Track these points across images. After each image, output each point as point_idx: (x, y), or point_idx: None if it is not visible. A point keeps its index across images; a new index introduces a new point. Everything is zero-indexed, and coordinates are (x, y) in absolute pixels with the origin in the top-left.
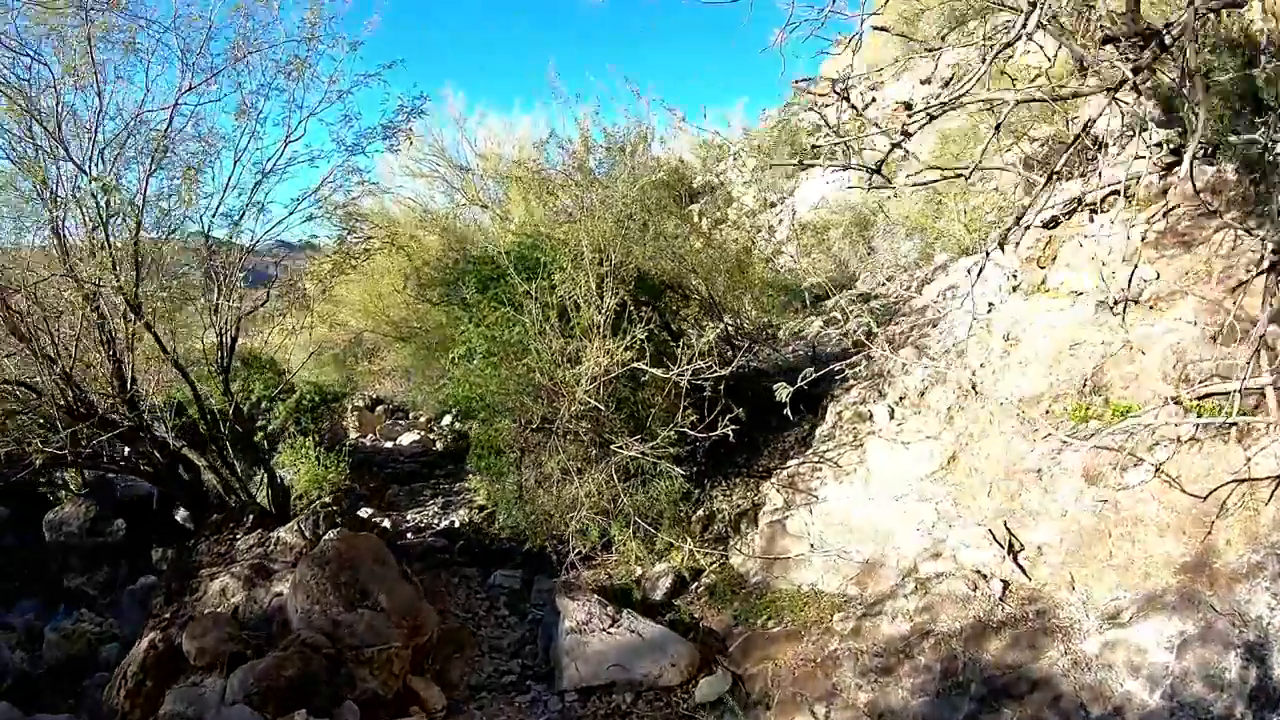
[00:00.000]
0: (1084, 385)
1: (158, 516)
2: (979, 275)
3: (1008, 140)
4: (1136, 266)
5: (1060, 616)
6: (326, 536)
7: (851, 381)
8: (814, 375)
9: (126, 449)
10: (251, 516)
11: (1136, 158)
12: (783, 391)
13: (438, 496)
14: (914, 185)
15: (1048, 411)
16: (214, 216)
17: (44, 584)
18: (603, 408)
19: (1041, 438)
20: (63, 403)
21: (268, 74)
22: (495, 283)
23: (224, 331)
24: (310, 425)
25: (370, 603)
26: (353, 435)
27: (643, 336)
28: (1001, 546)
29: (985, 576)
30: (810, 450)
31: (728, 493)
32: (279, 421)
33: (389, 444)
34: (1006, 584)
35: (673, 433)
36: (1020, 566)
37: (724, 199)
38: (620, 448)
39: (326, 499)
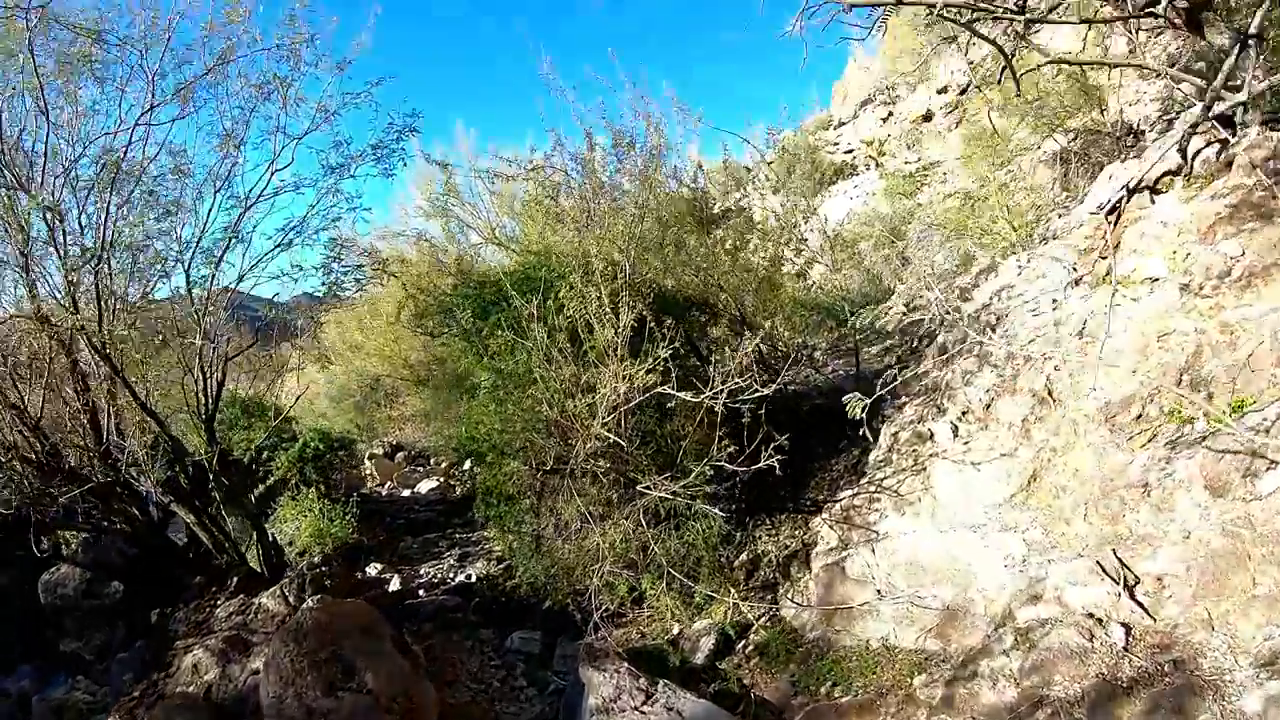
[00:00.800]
0: (1180, 380)
1: (158, 576)
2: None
3: (1042, 133)
4: (1214, 244)
5: (1203, 667)
6: (305, 605)
7: (905, 398)
8: (894, 382)
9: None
10: (236, 579)
11: (1191, 132)
12: (857, 406)
13: (454, 548)
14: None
15: (1141, 414)
16: (193, 253)
17: (42, 648)
18: (624, 443)
19: (1141, 445)
20: (31, 456)
21: (247, 97)
22: (496, 307)
23: (208, 375)
24: (314, 475)
25: (355, 683)
26: (371, 484)
27: (666, 356)
28: (1115, 581)
29: (1101, 621)
30: (865, 478)
31: (773, 532)
32: (281, 472)
33: (406, 492)
34: (1128, 628)
35: (708, 468)
36: (1141, 605)
37: (745, 224)
38: (647, 488)
39: (315, 558)
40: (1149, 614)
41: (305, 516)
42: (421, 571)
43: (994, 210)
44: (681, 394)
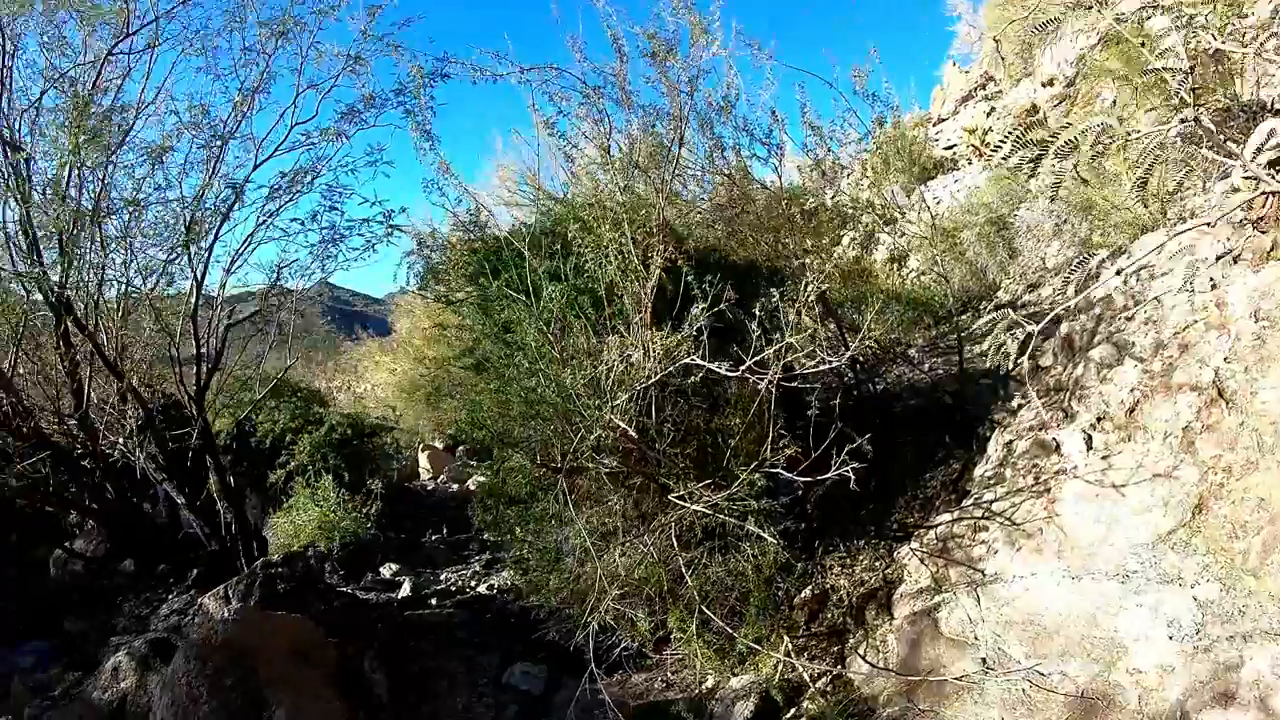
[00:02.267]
0: None
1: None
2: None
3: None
4: None
5: None
6: (222, 615)
7: (1020, 398)
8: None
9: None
10: (196, 571)
11: None
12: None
13: (485, 551)
14: None
15: None
16: (193, 210)
17: (48, 626)
18: (646, 437)
19: None
20: None
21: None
22: (508, 268)
23: (201, 342)
24: (338, 463)
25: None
26: (423, 476)
27: (706, 323)
28: None
29: None
30: (969, 499)
31: (847, 562)
32: (301, 456)
33: (454, 487)
34: None
35: (764, 476)
36: None
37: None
38: (683, 498)
39: (310, 553)
40: None
41: (317, 507)
42: (441, 577)
43: (1124, 184)
44: (712, 366)
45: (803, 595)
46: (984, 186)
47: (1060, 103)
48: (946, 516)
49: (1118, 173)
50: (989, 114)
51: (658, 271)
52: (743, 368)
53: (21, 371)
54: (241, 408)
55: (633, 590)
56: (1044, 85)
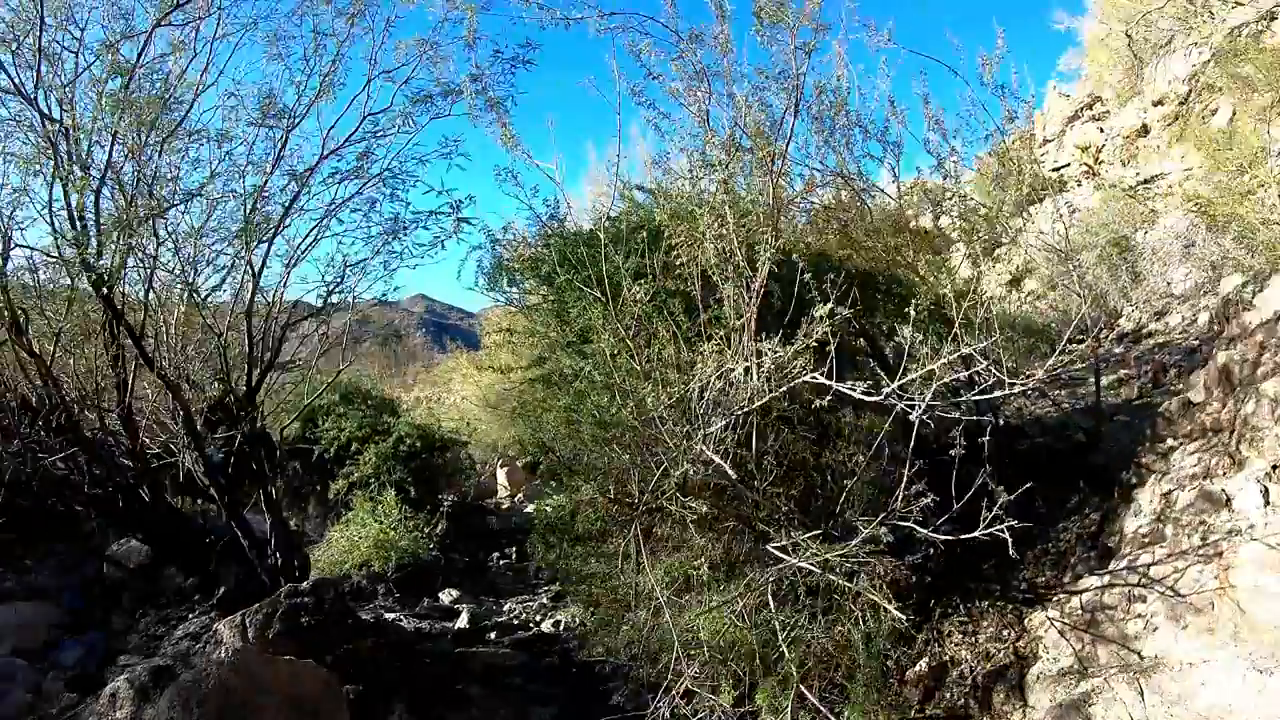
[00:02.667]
0: None
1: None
2: None
3: None
4: None
5: None
6: (219, 655)
7: (1173, 441)
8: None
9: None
10: (224, 590)
11: None
12: None
13: (555, 581)
14: None
15: None
16: (254, 200)
17: (97, 621)
18: (742, 474)
19: None
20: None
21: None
22: (587, 266)
23: (254, 339)
24: (403, 476)
25: None
26: (500, 493)
27: (826, 328)
28: None
29: None
30: (1117, 560)
31: (968, 627)
32: (364, 468)
33: (530, 507)
34: None
35: (883, 526)
36: None
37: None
38: (785, 549)
39: (361, 574)
40: None
41: (377, 522)
42: (504, 607)
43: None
44: (844, 386)
45: (917, 669)
46: (1096, 207)
47: (1173, 121)
48: (1092, 581)
49: (1263, 182)
50: (1101, 132)
51: (767, 265)
52: (887, 391)
53: (65, 362)
54: (316, 414)
55: (715, 653)
56: (1154, 105)
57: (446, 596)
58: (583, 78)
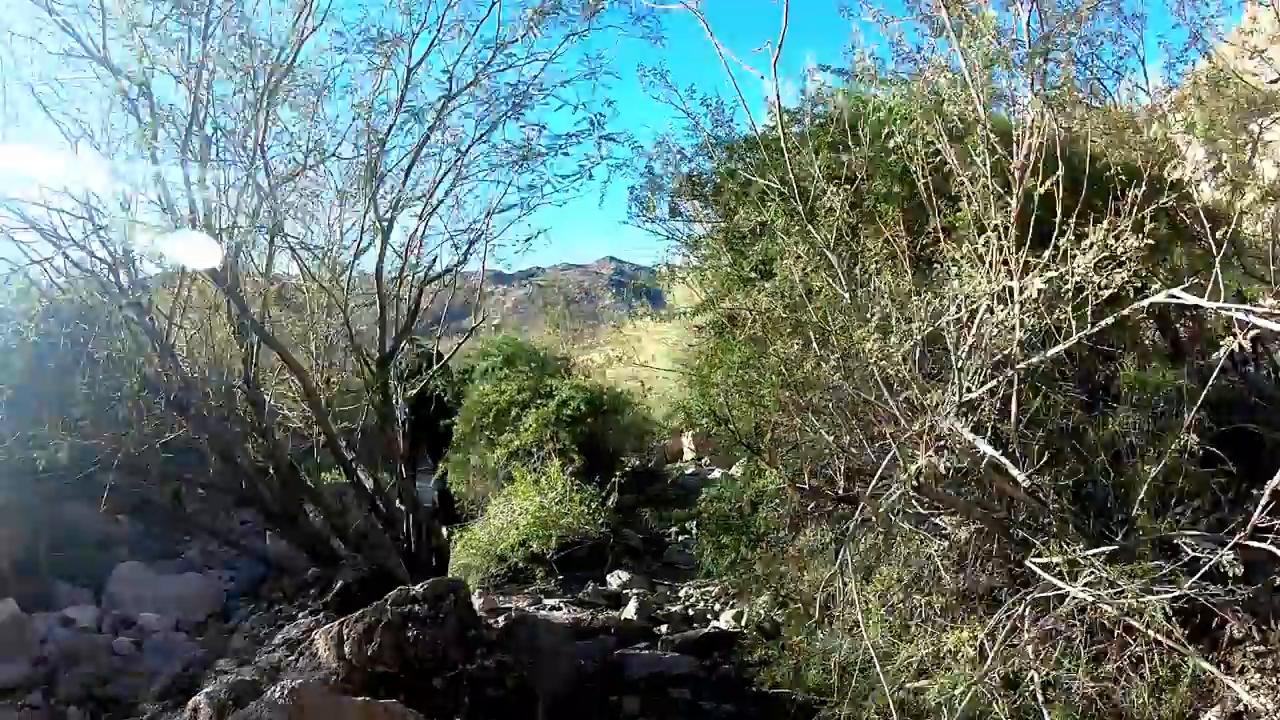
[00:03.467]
0: None
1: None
2: None
3: None
4: None
5: None
6: (272, 691)
7: None
8: None
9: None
10: (341, 583)
11: None
12: None
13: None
14: None
15: None
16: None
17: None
18: (1014, 458)
19: None
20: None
21: None
22: (766, 172)
23: (385, 300)
24: (570, 444)
25: None
26: (687, 455)
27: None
28: None
29: None
30: None
31: (1268, 663)
32: (526, 435)
33: (717, 472)
34: None
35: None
36: None
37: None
38: (1062, 571)
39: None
40: None
41: (539, 495)
42: (680, 593)
43: None
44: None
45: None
46: None
47: None
48: None
49: None
50: None
51: (1035, 141)
52: None
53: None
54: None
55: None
56: None
57: (615, 580)
58: None
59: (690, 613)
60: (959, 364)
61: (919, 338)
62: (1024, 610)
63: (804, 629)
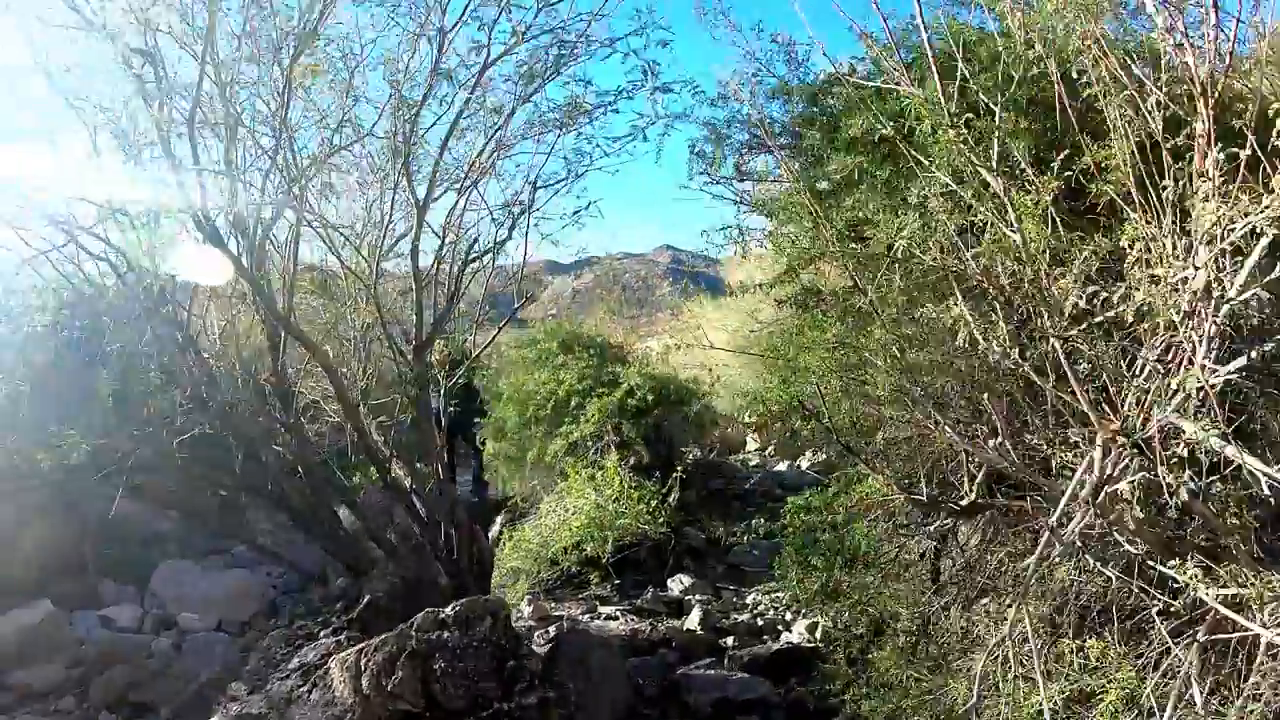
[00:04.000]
0: None
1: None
2: None
3: None
4: None
5: None
6: None
7: None
8: None
9: None
10: (368, 599)
11: None
12: None
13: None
14: None
15: None
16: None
17: None
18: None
19: None
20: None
21: None
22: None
23: (420, 284)
24: (634, 436)
25: None
26: (750, 447)
27: None
28: None
29: None
30: None
31: None
32: (587, 426)
33: (783, 465)
34: None
35: None
36: None
37: None
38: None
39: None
40: None
41: (596, 492)
42: (747, 599)
43: None
44: None
45: None
46: None
47: None
48: None
49: None
50: None
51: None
52: None
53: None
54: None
55: None
56: None
57: (676, 585)
58: None
59: (759, 623)
60: (1188, 339)
61: (1145, 300)
62: (1191, 655)
63: (902, 659)
